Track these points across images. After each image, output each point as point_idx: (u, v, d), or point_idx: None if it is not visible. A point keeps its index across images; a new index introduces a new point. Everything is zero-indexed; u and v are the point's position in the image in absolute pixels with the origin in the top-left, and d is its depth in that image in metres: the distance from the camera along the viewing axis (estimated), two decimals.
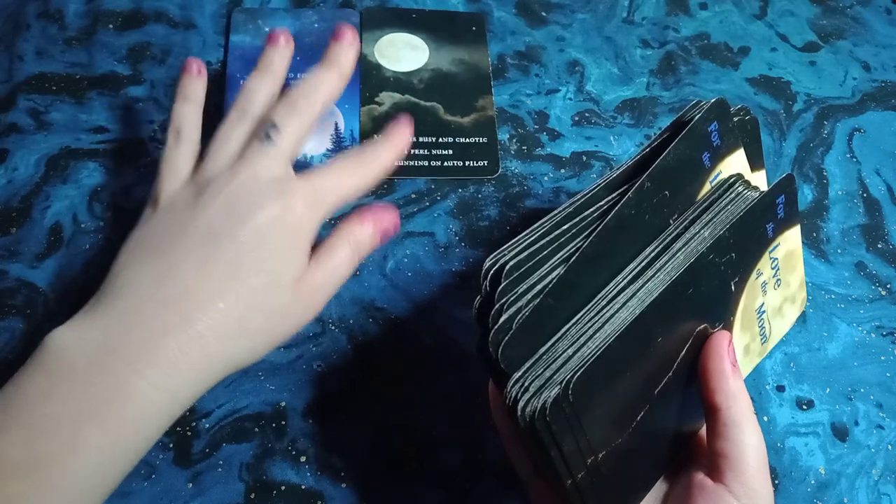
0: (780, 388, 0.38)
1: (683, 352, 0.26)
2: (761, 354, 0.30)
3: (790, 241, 0.28)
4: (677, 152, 0.26)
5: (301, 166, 0.42)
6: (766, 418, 0.37)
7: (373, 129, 0.44)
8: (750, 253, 0.27)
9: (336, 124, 0.44)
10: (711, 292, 0.26)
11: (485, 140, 0.45)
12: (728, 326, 0.27)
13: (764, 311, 0.29)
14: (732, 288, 0.26)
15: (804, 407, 0.38)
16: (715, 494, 0.25)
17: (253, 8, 0.49)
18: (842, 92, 0.51)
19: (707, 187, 0.27)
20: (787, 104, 0.50)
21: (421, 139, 0.44)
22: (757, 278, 0.27)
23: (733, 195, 0.27)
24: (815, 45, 0.53)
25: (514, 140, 0.45)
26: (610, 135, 0.46)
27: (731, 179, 0.28)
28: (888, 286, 0.42)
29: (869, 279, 0.43)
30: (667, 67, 0.50)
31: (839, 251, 0.43)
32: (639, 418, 0.25)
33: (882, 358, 0.40)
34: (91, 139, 0.42)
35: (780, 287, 0.29)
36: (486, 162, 0.44)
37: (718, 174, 0.27)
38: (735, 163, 0.28)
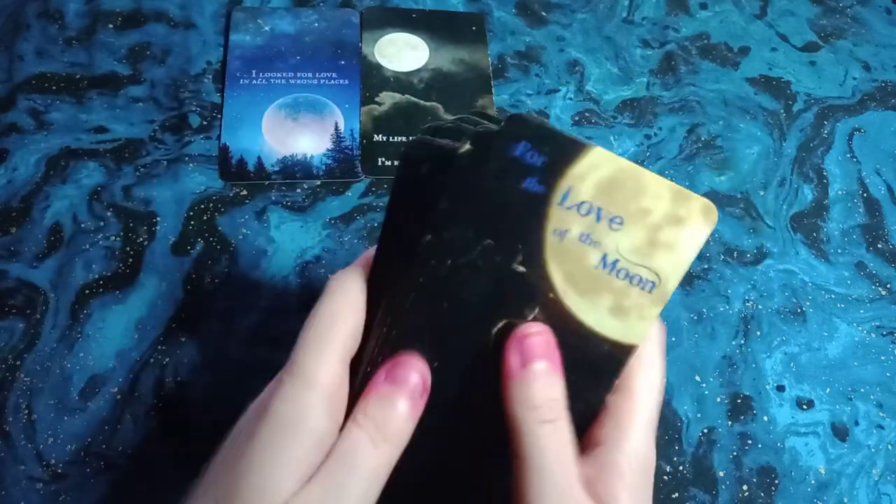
0: (780, 388, 0.38)
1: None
2: (661, 300, 0.22)
3: (593, 171, 0.21)
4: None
5: (302, 165, 0.42)
6: (766, 418, 0.37)
7: (373, 128, 0.44)
8: (516, 226, 0.22)
9: (336, 124, 0.44)
10: (483, 290, 0.22)
11: None
12: (548, 305, 0.22)
13: (616, 260, 0.22)
14: (519, 269, 0.22)
15: (804, 407, 0.38)
16: None
17: (253, 7, 0.49)
18: (842, 92, 0.51)
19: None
20: (787, 104, 0.50)
21: None
22: (562, 239, 0.22)
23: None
24: (815, 45, 0.53)
25: None
26: (610, 134, 0.46)
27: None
28: (888, 286, 0.42)
29: (869, 279, 0.43)
30: (667, 67, 0.50)
31: (839, 251, 0.43)
32: None
33: (882, 358, 0.40)
34: (91, 139, 0.42)
35: (623, 224, 0.22)
36: None
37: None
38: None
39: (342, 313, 0.22)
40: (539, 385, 0.21)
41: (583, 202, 0.22)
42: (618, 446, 0.21)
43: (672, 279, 0.22)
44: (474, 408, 0.22)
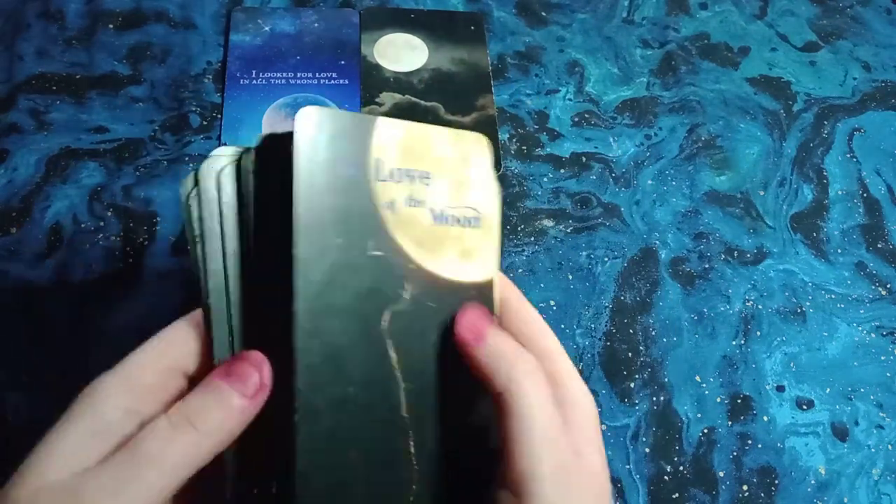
0: (780, 388, 0.38)
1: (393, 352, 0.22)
2: (491, 228, 0.24)
3: (389, 139, 0.23)
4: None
5: None
6: (766, 418, 0.37)
7: None
8: (354, 214, 0.22)
9: None
10: (356, 288, 0.22)
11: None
12: (413, 275, 0.23)
13: (442, 211, 0.23)
14: (375, 253, 0.22)
15: (804, 407, 0.38)
16: None
17: (253, 7, 0.49)
18: (842, 92, 0.51)
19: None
20: (787, 104, 0.50)
21: None
22: (394, 210, 0.23)
23: None
24: (815, 45, 0.53)
25: (514, 140, 0.45)
26: (609, 136, 0.46)
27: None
28: (888, 286, 0.42)
29: (869, 279, 0.43)
30: (667, 67, 0.50)
31: (839, 251, 0.43)
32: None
33: (882, 358, 0.40)
34: (91, 139, 0.42)
35: (430, 177, 0.23)
36: None
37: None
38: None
39: (169, 337, 0.22)
40: (501, 339, 0.22)
41: (392, 170, 0.23)
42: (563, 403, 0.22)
43: (488, 207, 0.24)
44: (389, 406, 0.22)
